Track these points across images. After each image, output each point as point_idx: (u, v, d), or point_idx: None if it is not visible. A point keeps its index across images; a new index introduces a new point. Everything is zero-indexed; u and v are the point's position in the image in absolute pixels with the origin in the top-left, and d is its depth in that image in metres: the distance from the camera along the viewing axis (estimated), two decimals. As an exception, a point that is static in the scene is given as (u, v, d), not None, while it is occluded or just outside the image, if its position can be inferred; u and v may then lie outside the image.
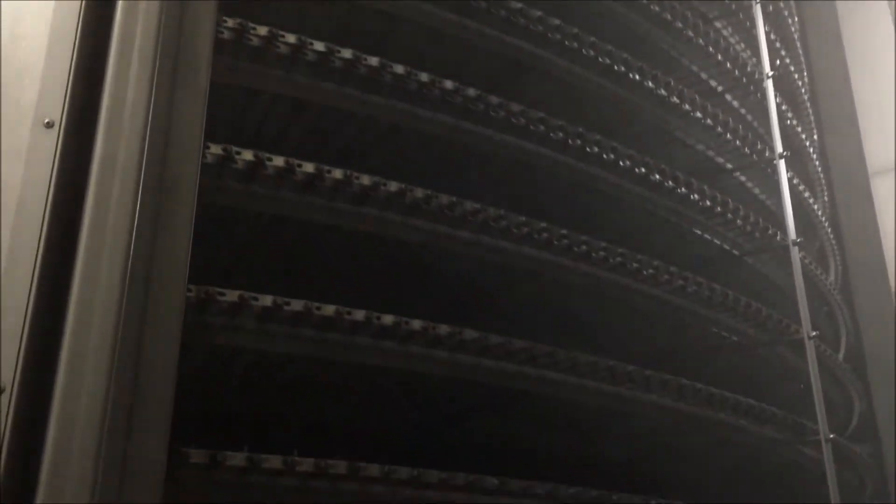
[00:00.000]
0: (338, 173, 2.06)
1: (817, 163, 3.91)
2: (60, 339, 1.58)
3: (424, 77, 2.26)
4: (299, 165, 2.02)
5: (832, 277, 3.73)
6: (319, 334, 1.96)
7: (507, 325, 2.29)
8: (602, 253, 2.49)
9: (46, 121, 1.73)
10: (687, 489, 2.61)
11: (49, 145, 1.72)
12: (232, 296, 1.85)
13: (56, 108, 1.75)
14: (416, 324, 2.06)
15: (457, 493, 2.05)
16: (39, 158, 1.70)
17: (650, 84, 2.79)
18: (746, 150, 3.14)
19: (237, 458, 1.77)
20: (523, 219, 2.33)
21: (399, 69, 2.23)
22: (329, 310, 1.95)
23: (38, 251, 1.64)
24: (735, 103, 3.36)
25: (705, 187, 2.87)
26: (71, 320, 1.59)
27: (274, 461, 1.81)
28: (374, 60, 2.20)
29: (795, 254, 3.13)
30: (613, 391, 2.39)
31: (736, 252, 3.14)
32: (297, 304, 1.91)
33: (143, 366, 1.63)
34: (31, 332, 1.58)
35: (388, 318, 2.02)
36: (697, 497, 2.59)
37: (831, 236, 3.77)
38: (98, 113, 1.75)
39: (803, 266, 3.15)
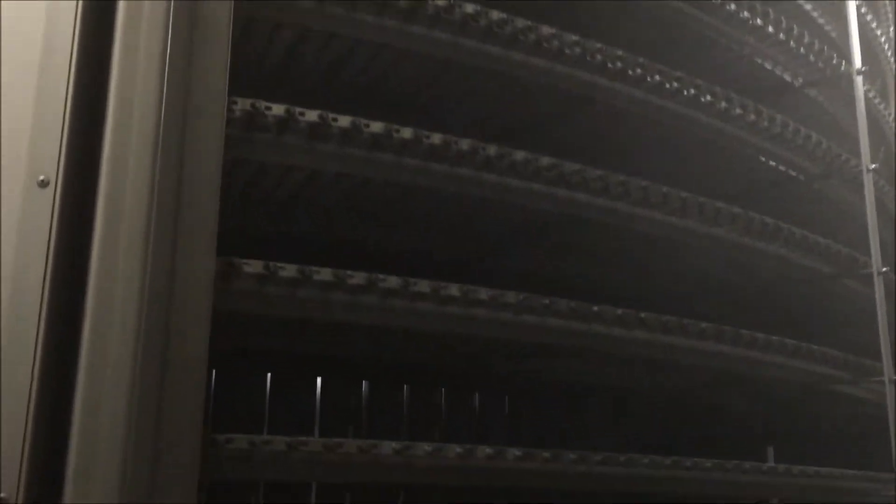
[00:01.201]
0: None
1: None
2: (102, 132, 1.58)
3: None
4: (374, -18, 1.95)
5: (893, 112, 3.65)
6: (368, 153, 1.93)
7: (560, 152, 2.26)
8: (657, 77, 2.40)
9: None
10: (732, 321, 2.65)
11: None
12: (278, 110, 1.81)
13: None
14: (465, 143, 2.01)
15: (505, 311, 2.06)
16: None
17: None
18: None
19: (289, 270, 1.77)
20: (575, 38, 2.24)
21: None
22: (377, 126, 1.91)
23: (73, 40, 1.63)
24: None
25: (783, 17, 2.76)
26: (110, 124, 1.59)
27: (325, 274, 1.81)
28: None
29: (859, 83, 3.05)
30: (682, 224, 2.39)
31: (797, 83, 3.07)
32: (343, 121, 1.87)
33: (186, 174, 1.62)
34: (71, 124, 1.59)
35: (436, 138, 1.98)
36: (744, 327, 2.63)
37: (895, 68, 3.66)
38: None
39: (865, 98, 3.09)
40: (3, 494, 1.40)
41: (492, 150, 2.03)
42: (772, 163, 2.89)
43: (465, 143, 2.00)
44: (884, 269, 2.88)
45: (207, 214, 1.62)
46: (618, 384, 3.01)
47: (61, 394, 1.48)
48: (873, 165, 2.97)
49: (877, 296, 2.87)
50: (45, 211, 1.53)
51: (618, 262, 2.89)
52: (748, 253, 2.63)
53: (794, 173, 2.95)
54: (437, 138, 1.96)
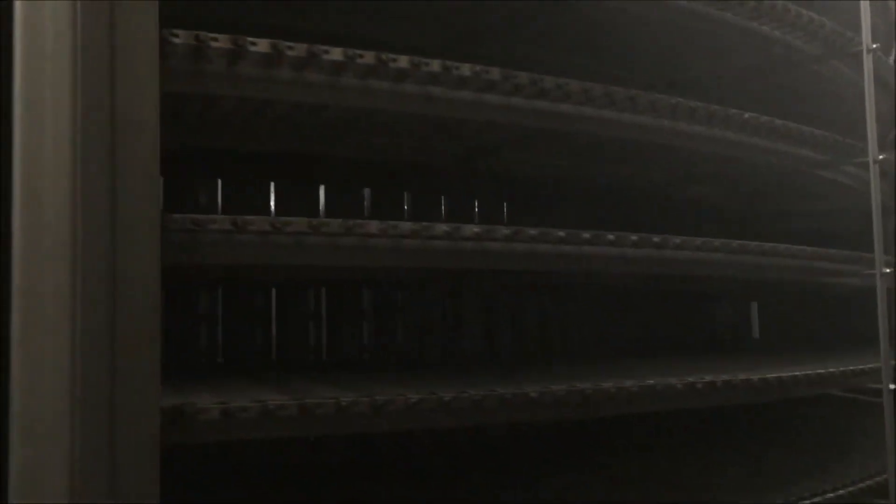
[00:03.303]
0: None
1: None
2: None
3: None
4: None
5: None
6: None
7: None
8: None
9: None
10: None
11: None
12: None
13: None
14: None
15: (491, 93, 1.99)
16: None
17: None
18: None
19: (262, 45, 1.63)
20: None
21: None
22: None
23: None
24: None
25: None
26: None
27: (299, 49, 1.67)
28: None
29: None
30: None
31: None
32: None
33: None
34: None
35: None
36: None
37: None
38: None
39: None
40: None
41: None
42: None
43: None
44: (874, 46, 2.78)
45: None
46: (598, 182, 2.98)
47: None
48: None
49: (865, 73, 2.78)
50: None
51: (602, 52, 2.79)
52: (731, 31, 2.53)
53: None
54: None
